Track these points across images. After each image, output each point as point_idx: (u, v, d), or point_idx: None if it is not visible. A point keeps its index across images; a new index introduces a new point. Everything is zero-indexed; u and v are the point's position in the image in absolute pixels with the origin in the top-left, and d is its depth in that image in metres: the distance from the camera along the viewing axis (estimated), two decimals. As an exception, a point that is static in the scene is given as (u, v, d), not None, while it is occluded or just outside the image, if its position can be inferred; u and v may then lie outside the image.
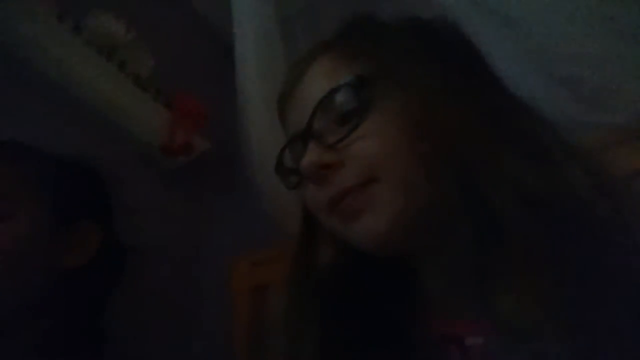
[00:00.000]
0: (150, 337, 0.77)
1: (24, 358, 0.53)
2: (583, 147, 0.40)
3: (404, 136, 0.39)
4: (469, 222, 0.35)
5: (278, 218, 0.91)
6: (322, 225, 0.46)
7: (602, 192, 0.34)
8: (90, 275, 0.60)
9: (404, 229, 0.39)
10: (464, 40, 0.48)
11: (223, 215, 1.11)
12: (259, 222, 0.93)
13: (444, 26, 0.50)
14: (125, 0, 1.09)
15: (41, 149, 0.62)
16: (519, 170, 0.35)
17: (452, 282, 0.41)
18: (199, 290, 0.99)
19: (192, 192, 1.13)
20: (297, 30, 1.08)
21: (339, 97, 0.42)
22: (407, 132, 0.39)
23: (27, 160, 0.60)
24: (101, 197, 0.67)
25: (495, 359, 0.35)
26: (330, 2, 1.15)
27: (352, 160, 0.40)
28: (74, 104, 0.97)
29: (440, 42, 0.46)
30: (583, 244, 0.31)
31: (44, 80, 0.93)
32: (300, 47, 1.05)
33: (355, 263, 0.46)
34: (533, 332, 0.30)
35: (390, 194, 0.39)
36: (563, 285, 0.30)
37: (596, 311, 0.29)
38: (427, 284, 0.44)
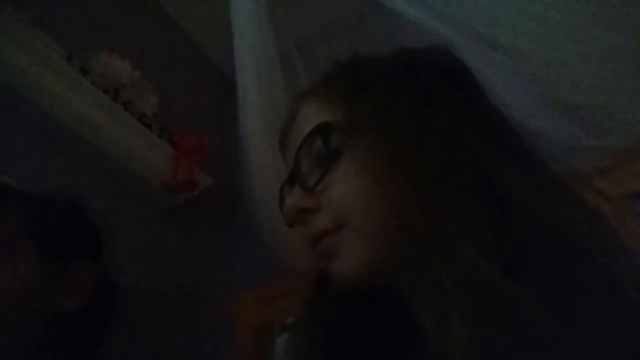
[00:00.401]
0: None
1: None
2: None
3: (372, 184, 0.39)
4: (439, 268, 0.34)
5: (281, 254, 0.89)
6: None
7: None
8: (85, 318, 0.58)
9: (372, 273, 0.40)
10: (460, 68, 0.48)
11: (225, 252, 1.09)
12: (262, 259, 0.91)
13: (440, 55, 0.49)
14: (129, 41, 1.11)
15: (26, 191, 0.61)
16: (474, 259, 0.33)
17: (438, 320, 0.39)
18: (200, 331, 0.96)
19: (192, 229, 1.11)
20: (298, 64, 1.09)
21: (316, 141, 0.43)
22: (376, 180, 0.39)
23: (15, 205, 0.59)
24: (93, 235, 0.65)
25: None
26: (331, 36, 1.17)
27: (326, 206, 0.41)
28: (77, 144, 0.98)
29: (432, 76, 0.45)
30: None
31: (48, 121, 0.94)
32: (302, 80, 1.05)
33: (355, 300, 0.45)
34: None
35: (356, 240, 0.40)
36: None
37: None
38: (418, 318, 0.43)
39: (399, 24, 0.88)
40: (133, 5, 1.26)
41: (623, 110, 0.64)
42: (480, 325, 0.31)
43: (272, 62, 1.05)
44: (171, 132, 1.10)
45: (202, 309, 0.99)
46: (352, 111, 0.43)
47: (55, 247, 0.58)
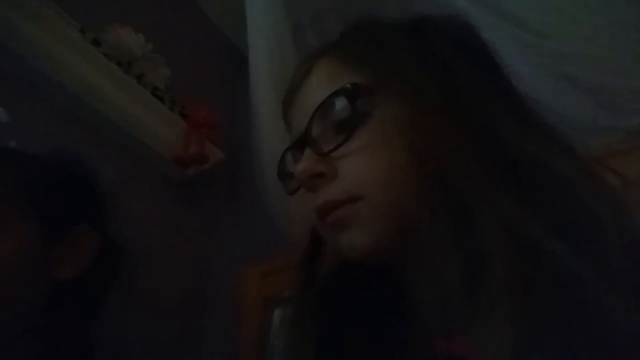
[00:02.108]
0: (149, 349, 0.75)
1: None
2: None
3: (395, 155, 0.37)
4: (454, 246, 0.34)
5: (286, 227, 0.89)
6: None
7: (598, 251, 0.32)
8: (86, 284, 0.57)
9: (385, 246, 0.39)
10: (476, 40, 0.46)
11: (232, 226, 1.10)
12: (268, 232, 0.92)
13: (455, 25, 0.47)
14: (142, 13, 1.11)
15: (25, 152, 0.59)
16: (512, 209, 0.33)
17: (441, 300, 0.38)
18: (206, 303, 0.97)
19: (202, 202, 1.13)
20: (310, 37, 1.07)
21: (336, 105, 0.40)
22: (400, 150, 0.37)
23: (13, 167, 0.56)
24: (94, 200, 0.63)
25: None
26: (342, 8, 1.14)
27: (342, 174, 0.40)
28: (90, 116, 0.99)
29: (448, 44, 0.43)
30: (565, 293, 0.30)
31: (60, 92, 0.95)
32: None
33: (354, 275, 0.45)
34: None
35: (373, 213, 0.38)
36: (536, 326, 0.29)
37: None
38: (420, 299, 0.42)
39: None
40: (147, -22, 1.25)
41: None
42: (522, 282, 0.30)
43: (285, 36, 1.03)
44: (183, 105, 1.10)
45: (208, 281, 1.01)
46: (380, 74, 0.41)
47: (55, 211, 0.56)
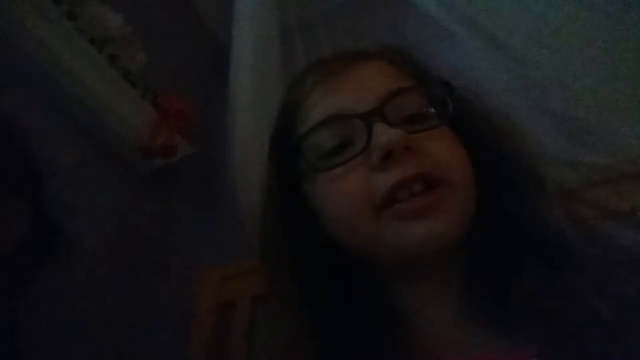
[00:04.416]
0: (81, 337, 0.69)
1: None
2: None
3: (464, 154, 0.42)
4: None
5: (253, 231, 0.86)
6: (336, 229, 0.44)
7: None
8: (14, 260, 0.52)
9: (457, 236, 0.39)
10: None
11: (194, 225, 1.04)
12: (230, 236, 0.88)
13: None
14: (125, -6, 1.06)
15: None
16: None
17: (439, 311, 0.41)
18: (159, 302, 0.91)
19: (165, 197, 1.07)
20: (296, 42, 1.06)
21: (413, 98, 0.43)
22: (464, 152, 0.43)
23: None
24: (29, 174, 0.58)
25: None
26: (332, 19, 1.14)
27: (430, 153, 0.41)
28: (55, 90, 0.92)
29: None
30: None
31: (27, 62, 0.89)
32: (299, 60, 1.02)
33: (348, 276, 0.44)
34: None
35: (456, 199, 0.39)
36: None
37: None
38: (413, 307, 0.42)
39: (402, 13, 0.87)
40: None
41: (618, 128, 0.63)
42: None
43: (271, 39, 1.01)
44: (156, 94, 1.05)
45: (163, 279, 0.95)
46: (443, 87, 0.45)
47: None
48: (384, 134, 0.39)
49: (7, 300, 0.53)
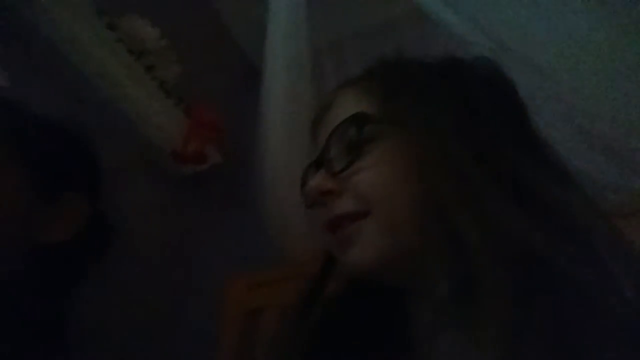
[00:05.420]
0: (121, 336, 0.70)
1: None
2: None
3: (398, 176, 0.41)
4: (448, 268, 0.36)
5: (281, 241, 0.87)
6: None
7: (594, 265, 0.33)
8: (68, 251, 0.54)
9: (387, 264, 0.41)
10: (503, 82, 0.48)
11: (222, 233, 1.06)
12: (258, 244, 0.89)
13: (486, 66, 0.50)
14: (162, 9, 1.11)
15: (29, 108, 0.57)
16: (510, 223, 0.35)
17: (433, 317, 0.40)
18: (186, 309, 0.92)
19: (195, 203, 1.09)
20: (327, 63, 1.10)
21: (349, 129, 0.44)
22: (402, 172, 0.41)
23: (10, 118, 0.55)
24: (92, 170, 0.62)
25: None
26: (361, 39, 1.18)
27: (349, 191, 0.42)
28: (92, 94, 0.96)
29: (476, 82, 0.47)
30: (565, 297, 0.32)
31: (66, 67, 0.92)
32: (329, 80, 1.06)
33: (357, 297, 0.47)
34: None
35: (377, 230, 0.40)
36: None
37: None
38: (415, 318, 0.43)
39: (432, 34, 0.89)
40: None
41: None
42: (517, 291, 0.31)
43: (303, 58, 1.05)
44: (188, 105, 1.09)
45: (190, 286, 0.96)
46: (392, 105, 0.45)
47: (49, 170, 0.55)
48: (311, 181, 0.45)
49: (62, 289, 0.56)
